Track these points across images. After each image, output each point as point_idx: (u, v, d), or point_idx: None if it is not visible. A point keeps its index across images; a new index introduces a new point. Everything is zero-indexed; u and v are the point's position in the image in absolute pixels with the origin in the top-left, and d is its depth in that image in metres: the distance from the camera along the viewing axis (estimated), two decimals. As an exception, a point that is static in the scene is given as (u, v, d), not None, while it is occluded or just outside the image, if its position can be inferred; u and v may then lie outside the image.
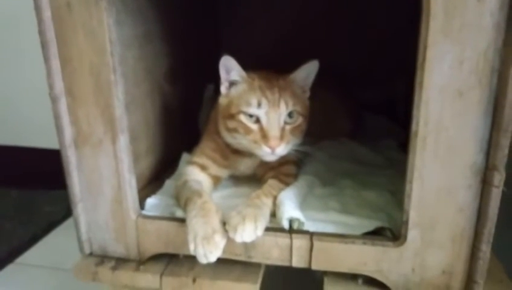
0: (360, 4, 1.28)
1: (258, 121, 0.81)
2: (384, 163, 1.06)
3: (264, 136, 0.80)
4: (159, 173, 1.00)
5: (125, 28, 0.79)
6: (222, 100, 0.88)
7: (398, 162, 1.05)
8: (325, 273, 0.73)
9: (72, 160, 0.74)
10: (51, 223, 1.51)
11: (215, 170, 0.91)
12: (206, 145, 0.93)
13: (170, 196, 0.89)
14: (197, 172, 0.89)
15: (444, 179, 0.61)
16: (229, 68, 0.83)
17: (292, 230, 0.72)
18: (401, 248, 0.66)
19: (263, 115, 0.81)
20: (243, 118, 0.82)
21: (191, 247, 0.68)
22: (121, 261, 0.79)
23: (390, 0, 1.25)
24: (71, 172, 0.74)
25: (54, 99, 0.71)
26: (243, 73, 0.84)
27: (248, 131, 0.82)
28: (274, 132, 0.79)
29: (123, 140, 0.72)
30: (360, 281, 0.71)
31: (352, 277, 0.72)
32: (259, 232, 0.69)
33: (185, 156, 1.06)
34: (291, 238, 0.70)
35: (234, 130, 0.84)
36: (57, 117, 0.72)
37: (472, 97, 0.57)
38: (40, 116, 1.70)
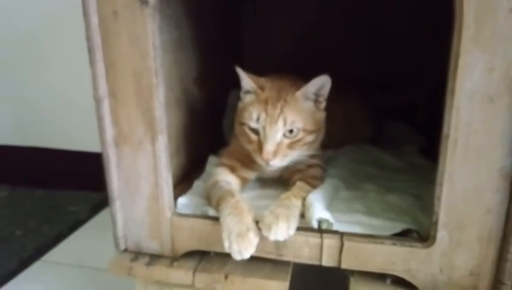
0: (380, 7, 1.31)
1: (257, 133, 0.85)
2: (406, 168, 1.09)
3: (260, 148, 0.83)
4: (188, 173, 1.04)
5: (163, 33, 0.83)
6: (239, 105, 0.92)
7: (420, 167, 1.08)
8: (352, 273, 0.76)
9: (112, 159, 0.78)
10: (75, 222, 1.55)
11: (243, 171, 0.95)
12: (234, 147, 0.97)
13: (200, 196, 0.92)
14: (226, 173, 0.93)
15: (472, 181, 0.64)
16: (241, 79, 0.88)
17: (322, 230, 0.74)
18: (430, 248, 0.68)
19: (261, 129, 0.84)
20: (246, 128, 0.86)
21: (226, 244, 0.71)
22: (154, 258, 0.82)
23: (412, 6, 1.27)
24: (111, 170, 0.78)
25: (97, 101, 0.74)
26: (253, 84, 0.87)
27: (249, 141, 0.86)
28: (268, 146, 0.82)
29: (162, 140, 0.75)
30: (388, 281, 0.73)
31: (380, 277, 0.74)
32: (292, 231, 0.72)
33: (211, 159, 1.10)
34: (321, 238, 0.73)
35: (243, 136, 0.89)
36: (99, 118, 0.76)
37: (501, 103, 0.60)
38: (63, 119, 1.77)
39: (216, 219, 0.77)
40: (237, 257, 0.70)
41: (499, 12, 0.56)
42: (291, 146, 0.85)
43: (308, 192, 0.85)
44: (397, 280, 0.72)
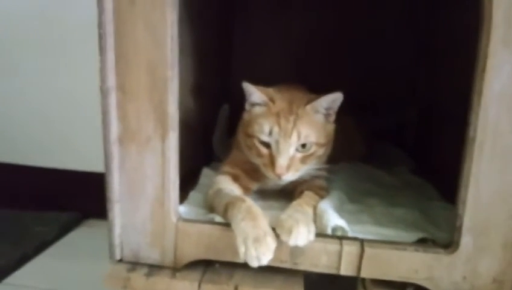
0: (370, 30, 1.35)
1: (269, 146, 0.83)
2: (402, 185, 1.08)
3: (272, 163, 0.81)
4: (181, 185, 0.97)
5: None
6: (245, 116, 0.89)
7: (415, 185, 1.08)
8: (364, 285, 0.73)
9: (115, 157, 0.71)
10: (42, 243, 1.42)
11: (245, 181, 0.91)
12: (236, 156, 0.93)
13: (198, 206, 0.87)
14: (229, 181, 0.88)
15: (498, 184, 0.63)
16: (250, 92, 0.85)
17: (341, 236, 0.71)
18: (454, 254, 0.67)
19: (273, 143, 0.82)
20: (256, 141, 0.84)
21: (242, 249, 0.65)
22: (154, 268, 0.75)
23: (399, 28, 1.31)
24: (112, 170, 0.72)
25: (104, 93, 0.69)
26: (264, 97, 0.85)
27: (259, 154, 0.84)
28: (281, 161, 0.80)
29: (173, 138, 0.70)
30: (408, 290, 0.70)
31: (402, 286, 0.71)
32: (312, 236, 0.68)
33: (205, 171, 1.05)
34: (341, 245, 0.69)
35: (251, 149, 0.86)
36: (104, 112, 0.70)
37: (530, 104, 0.60)
38: (32, 132, 1.65)
39: (226, 225, 0.72)
40: (254, 263, 0.64)
41: (529, 13, 0.58)
42: (303, 160, 0.83)
43: (317, 201, 0.82)
44: (418, 288, 0.69)
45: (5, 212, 1.60)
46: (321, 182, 0.91)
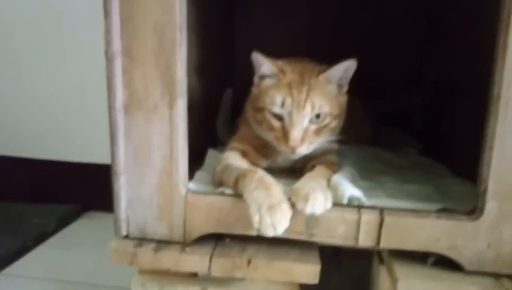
0: (374, 14, 1.32)
1: (281, 118, 0.80)
2: (411, 165, 1.05)
3: (285, 135, 0.78)
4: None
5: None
6: (254, 90, 0.86)
7: (424, 165, 1.05)
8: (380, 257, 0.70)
9: (120, 125, 0.68)
10: (41, 234, 1.39)
11: (254, 157, 0.87)
12: (245, 132, 0.90)
13: (205, 184, 0.83)
14: (238, 157, 0.85)
15: (525, 145, 0.60)
16: (259, 64, 0.82)
17: (359, 205, 0.68)
18: (478, 221, 0.64)
19: (286, 114, 0.79)
20: (267, 114, 0.81)
21: (256, 218, 0.62)
22: (162, 244, 0.71)
23: (403, 11, 1.29)
24: (117, 139, 0.68)
25: (109, 58, 0.66)
26: (274, 68, 0.82)
27: (271, 128, 0.81)
28: (295, 133, 0.77)
29: (181, 105, 0.67)
30: (430, 261, 0.67)
31: (419, 259, 0.67)
32: (329, 204, 0.65)
33: (211, 152, 1.02)
34: (359, 213, 0.66)
35: (261, 123, 0.83)
36: (110, 78, 0.67)
37: (557, 59, 0.58)
38: (29, 124, 1.62)
39: (237, 197, 0.69)
40: (270, 232, 0.61)
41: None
42: (317, 132, 0.80)
43: (330, 175, 0.79)
44: (439, 261, 0.66)
45: (5, 204, 1.57)
46: (333, 157, 0.88)
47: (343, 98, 0.86)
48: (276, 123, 0.80)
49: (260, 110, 0.82)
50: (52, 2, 1.50)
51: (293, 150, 0.77)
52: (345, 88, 0.85)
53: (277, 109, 0.79)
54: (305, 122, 0.78)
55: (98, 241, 1.21)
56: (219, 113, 1.23)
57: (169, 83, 0.66)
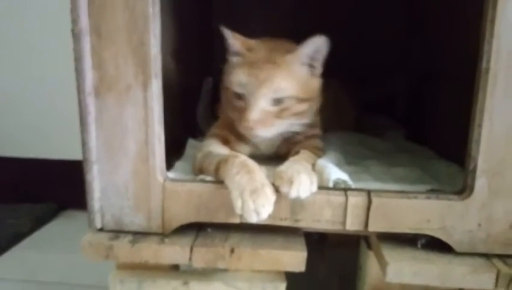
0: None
1: (243, 98, 0.76)
2: (397, 150, 1.03)
3: (243, 117, 0.74)
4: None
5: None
6: (225, 68, 0.83)
7: (410, 150, 1.03)
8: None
9: (91, 111, 0.64)
10: (16, 235, 1.33)
11: (236, 144, 0.84)
12: (224, 118, 0.86)
13: (184, 173, 0.79)
14: (219, 144, 0.82)
15: (514, 119, 0.58)
16: (227, 40, 0.79)
17: (346, 188, 0.65)
18: (468, 200, 0.61)
19: (246, 95, 0.76)
20: (230, 93, 0.78)
21: (238, 204, 0.59)
22: (139, 235, 0.67)
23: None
24: (88, 125, 0.64)
25: (76, 37, 0.61)
26: (239, 45, 0.79)
27: (233, 107, 0.78)
28: (253, 114, 0.73)
29: (156, 85, 0.63)
30: (419, 243, 0.65)
31: (411, 241, 0.65)
32: (314, 187, 0.62)
33: (191, 142, 0.98)
34: (346, 196, 0.63)
35: (227, 103, 0.81)
36: (78, 59, 0.62)
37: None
38: (6, 124, 1.55)
39: (219, 183, 0.65)
40: (253, 217, 0.58)
41: None
42: (278, 115, 0.76)
43: (315, 160, 0.76)
44: (428, 243, 0.64)
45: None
46: (317, 142, 0.85)
47: (316, 81, 0.81)
48: (237, 103, 0.77)
49: (225, 89, 0.80)
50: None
51: (250, 130, 0.74)
52: (318, 70, 0.80)
53: (237, 88, 0.76)
54: (263, 103, 0.74)
55: (75, 240, 1.15)
56: (199, 103, 1.20)
57: (143, 62, 0.62)
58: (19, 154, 1.56)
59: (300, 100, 0.77)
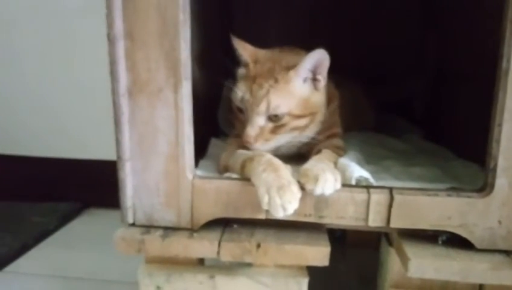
0: (373, 3, 1.32)
1: (243, 112, 0.80)
2: (416, 150, 1.05)
3: (244, 131, 0.77)
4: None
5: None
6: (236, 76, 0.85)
7: (429, 150, 1.05)
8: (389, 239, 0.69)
9: (124, 111, 0.67)
10: (42, 233, 1.37)
11: None
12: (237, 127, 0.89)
13: (209, 171, 0.82)
14: (241, 145, 0.84)
15: (535, 118, 0.60)
16: (236, 49, 0.82)
17: (368, 185, 0.67)
18: (488, 197, 0.63)
19: (245, 110, 0.79)
20: (233, 106, 0.81)
21: (265, 199, 0.61)
22: (170, 230, 0.70)
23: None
24: (122, 125, 0.67)
25: (111, 41, 0.65)
26: (246, 57, 0.81)
27: (237, 119, 0.82)
28: (250, 130, 0.76)
29: (186, 87, 0.66)
30: (440, 240, 0.66)
31: (430, 239, 0.67)
32: (339, 185, 0.64)
33: (214, 141, 1.01)
34: (368, 193, 0.66)
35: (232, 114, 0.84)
36: (112, 62, 0.65)
37: None
38: (30, 123, 1.60)
39: (246, 181, 0.68)
40: (280, 213, 0.60)
41: None
42: (274, 131, 0.78)
43: (336, 159, 0.79)
44: (449, 240, 0.66)
45: (4, 204, 1.55)
46: (338, 142, 0.87)
47: (319, 96, 0.82)
48: (239, 115, 0.80)
49: (231, 101, 0.82)
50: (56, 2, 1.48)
51: (250, 145, 0.76)
52: (322, 83, 0.81)
53: (239, 103, 0.79)
54: (260, 120, 0.76)
55: (99, 237, 1.20)
56: (220, 106, 1.22)
57: (174, 65, 0.65)
58: (44, 154, 1.60)
59: (296, 116, 0.79)
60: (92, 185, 1.53)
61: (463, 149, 0.92)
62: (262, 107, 0.75)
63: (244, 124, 0.78)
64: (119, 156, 0.68)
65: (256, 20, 1.36)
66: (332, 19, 1.34)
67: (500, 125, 0.61)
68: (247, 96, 0.77)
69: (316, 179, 0.62)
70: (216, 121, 1.17)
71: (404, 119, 1.33)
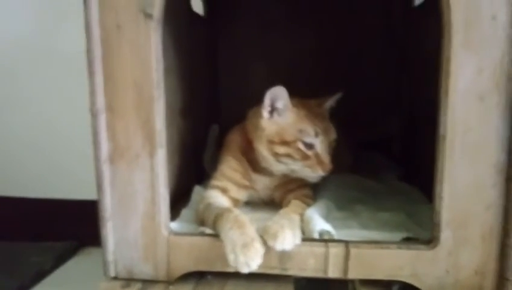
0: (352, 46, 1.40)
1: (312, 147, 0.87)
2: (390, 191, 1.11)
3: (320, 162, 0.86)
4: (173, 203, 1.00)
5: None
6: (266, 125, 0.89)
7: (403, 191, 1.11)
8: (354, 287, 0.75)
9: (106, 175, 0.74)
10: (39, 273, 1.42)
11: (235, 192, 0.94)
12: (226, 166, 0.96)
13: (189, 222, 0.89)
14: (218, 195, 0.91)
15: (471, 178, 0.67)
16: (277, 97, 0.87)
17: (327, 239, 0.74)
18: (435, 249, 0.69)
19: (318, 143, 0.87)
20: (300, 145, 0.87)
21: (231, 257, 0.68)
22: (148, 283, 0.77)
23: (381, 43, 1.37)
24: (104, 188, 0.75)
25: (94, 115, 0.73)
26: (289, 103, 0.88)
27: (305, 157, 0.87)
28: (327, 158, 0.87)
29: (161, 154, 0.73)
30: (394, 288, 0.72)
31: (388, 286, 0.73)
32: (298, 240, 0.71)
33: (197, 189, 1.08)
34: (327, 247, 0.72)
35: (285, 156, 0.88)
36: (95, 133, 0.73)
37: (492, 101, 0.65)
38: (21, 163, 1.66)
39: (215, 237, 0.75)
40: (244, 269, 0.67)
41: (484, 18, 0.63)
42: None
43: (304, 209, 0.85)
44: (404, 287, 0.72)
45: (1, 244, 1.60)
46: (307, 191, 0.94)
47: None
48: (309, 152, 0.87)
49: (288, 143, 0.87)
50: (44, 44, 1.57)
51: (327, 171, 0.87)
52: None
53: (311, 139, 0.87)
54: (330, 147, 0.90)
55: (95, 277, 1.25)
56: (206, 149, 1.30)
57: (149, 135, 0.73)
58: (39, 195, 1.66)
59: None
60: (87, 224, 1.57)
61: (430, 188, 0.98)
62: (331, 134, 0.91)
63: (315, 158, 0.87)
64: (101, 215, 0.75)
65: (240, 71, 1.45)
66: (314, 66, 1.42)
67: (441, 183, 0.68)
68: (319, 130, 0.87)
69: (275, 236, 0.69)
70: (201, 164, 1.24)
71: (385, 157, 1.39)
